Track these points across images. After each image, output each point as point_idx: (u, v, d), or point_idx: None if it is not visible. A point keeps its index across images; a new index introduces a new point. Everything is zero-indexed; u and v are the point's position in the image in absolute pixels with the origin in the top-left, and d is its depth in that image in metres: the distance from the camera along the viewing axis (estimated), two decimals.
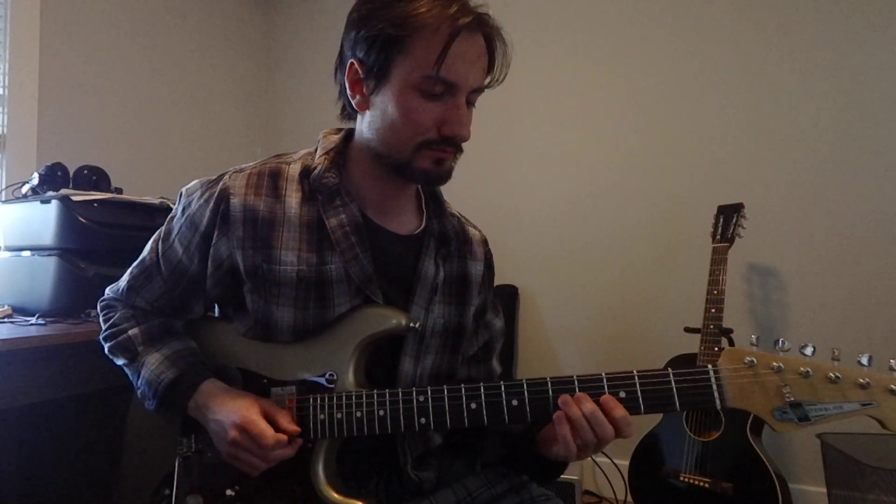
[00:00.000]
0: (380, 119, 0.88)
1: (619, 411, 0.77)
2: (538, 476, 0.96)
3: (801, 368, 0.73)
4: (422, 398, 0.84)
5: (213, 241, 0.91)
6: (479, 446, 1.03)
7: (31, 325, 1.34)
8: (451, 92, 0.85)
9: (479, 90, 0.89)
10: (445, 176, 0.91)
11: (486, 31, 0.86)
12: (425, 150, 0.86)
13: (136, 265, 1.00)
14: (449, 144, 0.87)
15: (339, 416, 0.86)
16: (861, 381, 0.70)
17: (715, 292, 1.81)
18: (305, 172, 0.93)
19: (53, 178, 1.62)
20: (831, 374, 0.71)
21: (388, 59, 0.84)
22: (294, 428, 0.86)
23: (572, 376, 0.79)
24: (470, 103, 0.89)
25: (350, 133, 0.98)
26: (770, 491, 1.64)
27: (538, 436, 0.90)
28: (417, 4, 0.83)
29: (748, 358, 0.75)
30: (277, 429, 0.84)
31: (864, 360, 0.72)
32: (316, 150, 0.97)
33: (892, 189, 1.94)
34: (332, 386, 0.88)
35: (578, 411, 0.78)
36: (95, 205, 1.51)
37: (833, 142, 2.02)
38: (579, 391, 0.79)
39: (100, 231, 1.50)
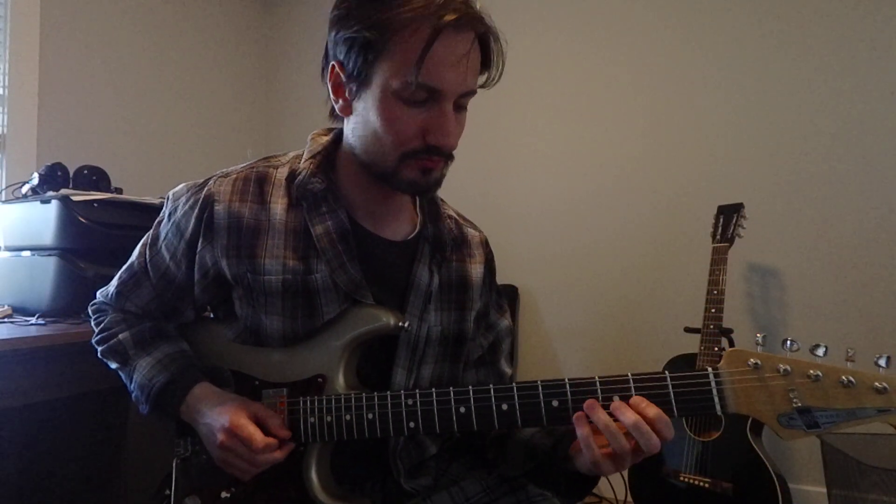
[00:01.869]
0: (362, 127, 0.83)
1: (653, 410, 0.70)
2: (566, 493, 0.88)
3: (811, 372, 0.67)
4: (410, 402, 0.81)
5: (199, 249, 0.89)
6: (499, 458, 0.98)
7: (31, 325, 1.34)
8: (435, 98, 0.79)
9: (469, 94, 0.82)
10: (433, 186, 0.86)
11: (476, 28, 0.78)
12: (410, 160, 0.81)
13: (125, 270, 0.98)
14: (435, 153, 0.81)
15: (329, 419, 0.85)
16: (878, 385, 0.65)
17: (715, 292, 1.81)
18: (292, 177, 0.90)
19: (53, 178, 1.62)
20: (844, 378, 0.66)
21: (367, 64, 0.78)
22: (284, 432, 0.84)
23: (563, 380, 0.76)
24: (461, 107, 0.83)
25: (340, 134, 0.94)
26: (770, 491, 1.64)
27: (571, 450, 0.82)
28: (396, 3, 0.76)
29: (752, 360, 0.69)
30: (268, 433, 0.83)
31: (883, 362, 0.66)
32: (304, 153, 0.93)
33: (892, 189, 1.94)
34: (322, 388, 0.87)
35: (605, 418, 0.71)
36: (95, 205, 1.51)
37: (833, 142, 2.02)
38: (571, 396, 0.75)
39: (100, 231, 1.49)
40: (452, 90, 0.79)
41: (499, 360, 1.07)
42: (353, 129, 0.86)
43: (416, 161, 0.81)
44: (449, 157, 0.84)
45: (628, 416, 0.71)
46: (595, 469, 0.75)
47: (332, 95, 0.86)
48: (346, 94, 0.84)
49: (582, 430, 0.73)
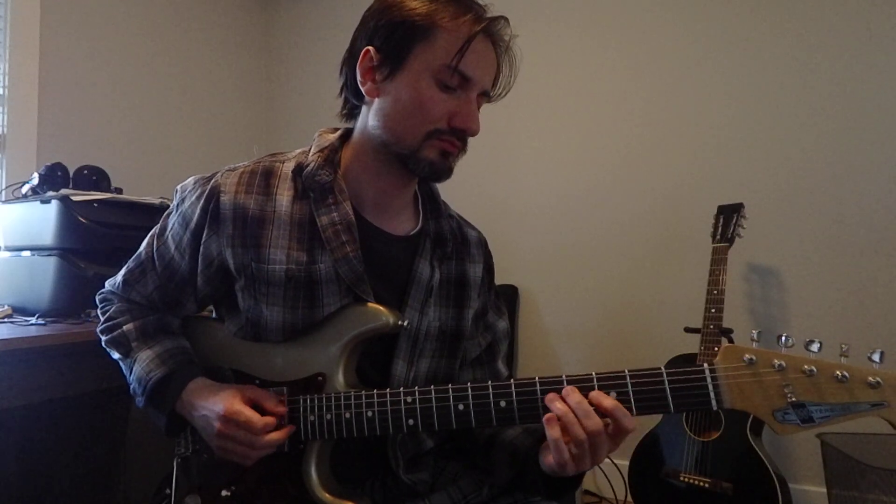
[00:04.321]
0: (391, 105, 0.88)
1: (609, 401, 0.73)
2: (548, 494, 0.89)
3: (805, 367, 0.67)
4: (409, 399, 0.82)
5: (204, 239, 0.91)
6: (488, 467, 0.98)
7: (31, 325, 1.34)
8: (464, 87, 0.86)
9: (485, 95, 0.90)
10: (447, 172, 0.90)
11: (500, 42, 0.89)
12: (434, 139, 0.87)
13: (133, 260, 1.01)
14: (457, 138, 0.88)
15: (329, 417, 0.85)
16: (871, 379, 0.65)
17: (715, 292, 1.81)
18: (298, 170, 0.93)
19: (53, 178, 1.62)
20: (838, 373, 0.66)
21: (408, 46, 0.85)
22: (281, 409, 0.86)
23: (561, 376, 0.77)
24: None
25: (347, 133, 0.98)
26: (770, 491, 1.64)
27: (540, 449, 0.84)
28: (439, 5, 0.85)
29: (747, 356, 0.70)
30: (264, 413, 0.85)
31: (876, 357, 0.66)
32: (311, 148, 0.96)
33: (892, 188, 1.94)
34: (322, 386, 0.88)
35: (564, 406, 0.73)
36: (95, 205, 1.51)
37: (833, 142, 2.02)
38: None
39: (100, 231, 1.49)
40: (480, 83, 0.88)
41: (496, 360, 1.08)
42: (378, 110, 0.89)
43: (439, 142, 0.87)
44: (465, 146, 0.91)
45: (573, 397, 0.74)
46: (563, 467, 0.75)
47: (359, 78, 0.90)
48: (376, 77, 0.88)
49: (551, 432, 0.74)
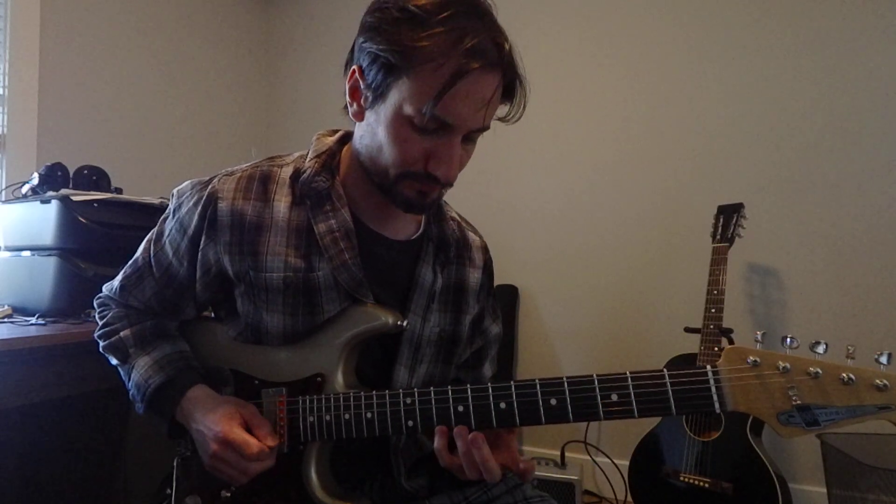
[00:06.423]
0: (369, 137, 0.84)
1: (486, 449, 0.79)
2: None
3: (811, 369, 0.66)
4: (409, 401, 0.81)
5: (201, 246, 0.90)
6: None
7: (31, 325, 1.34)
8: (445, 130, 0.78)
9: (482, 130, 0.82)
10: (428, 207, 0.87)
11: (504, 71, 0.78)
12: (409, 180, 0.82)
13: (130, 265, 0.99)
14: (434, 181, 0.82)
15: (328, 418, 0.85)
16: (878, 382, 0.64)
17: (715, 292, 1.81)
18: (295, 176, 0.91)
19: (53, 178, 1.62)
20: (844, 376, 0.65)
21: (385, 81, 0.78)
22: (273, 441, 0.84)
23: (562, 378, 0.75)
24: (470, 140, 0.83)
25: (347, 135, 0.96)
26: (770, 491, 1.64)
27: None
28: (427, 34, 0.74)
29: (752, 358, 0.69)
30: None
31: (884, 359, 0.65)
32: (308, 152, 0.94)
33: (891, 188, 1.94)
34: (321, 387, 0.87)
35: (466, 448, 0.78)
36: (95, 205, 1.51)
37: (833, 142, 2.02)
38: (570, 394, 0.75)
39: (100, 231, 1.49)
40: (465, 126, 0.79)
41: (482, 364, 1.08)
42: (361, 137, 0.87)
43: (415, 182, 0.82)
44: (448, 184, 0.84)
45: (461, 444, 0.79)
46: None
47: (348, 97, 0.86)
48: (362, 101, 0.84)
49: (437, 443, 0.81)
